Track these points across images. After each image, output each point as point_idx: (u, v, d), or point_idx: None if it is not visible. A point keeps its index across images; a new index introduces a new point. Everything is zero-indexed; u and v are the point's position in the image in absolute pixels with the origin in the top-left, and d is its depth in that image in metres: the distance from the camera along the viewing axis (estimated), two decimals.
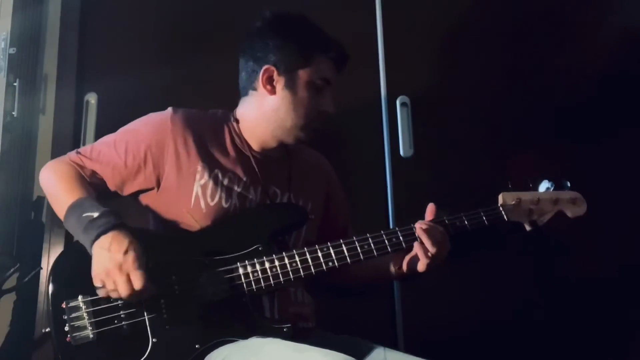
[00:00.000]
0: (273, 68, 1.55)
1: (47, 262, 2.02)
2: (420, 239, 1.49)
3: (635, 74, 2.29)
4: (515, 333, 2.05)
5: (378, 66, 2.21)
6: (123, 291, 1.31)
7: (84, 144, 2.09)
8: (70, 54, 2.20)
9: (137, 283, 1.31)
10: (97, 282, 1.34)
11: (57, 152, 2.11)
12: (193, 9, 2.25)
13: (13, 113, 2.08)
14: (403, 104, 2.20)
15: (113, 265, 1.31)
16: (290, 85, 1.55)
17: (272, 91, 1.55)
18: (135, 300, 1.35)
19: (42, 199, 2.13)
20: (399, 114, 2.19)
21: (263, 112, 1.57)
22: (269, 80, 1.55)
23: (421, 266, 1.50)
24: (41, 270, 2.01)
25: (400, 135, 2.17)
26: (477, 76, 2.25)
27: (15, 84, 2.09)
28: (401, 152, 2.17)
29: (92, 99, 2.16)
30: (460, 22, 2.28)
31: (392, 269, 1.61)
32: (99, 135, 2.02)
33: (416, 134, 2.18)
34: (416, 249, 1.50)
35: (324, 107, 1.57)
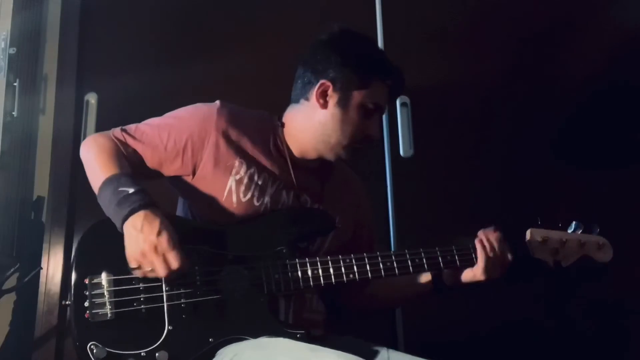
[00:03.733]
0: (329, 83, 1.56)
1: (47, 262, 2.02)
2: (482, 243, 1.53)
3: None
4: (515, 333, 2.05)
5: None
6: (161, 272, 1.33)
7: None
8: (70, 54, 2.20)
9: (175, 263, 1.32)
10: (132, 264, 1.35)
11: (57, 152, 2.11)
12: (193, 9, 2.25)
13: (13, 113, 2.08)
14: (403, 104, 2.20)
15: (148, 247, 1.32)
16: (343, 104, 1.56)
17: (324, 106, 1.57)
18: (173, 278, 1.35)
19: (42, 199, 2.13)
20: (399, 114, 2.19)
21: (311, 124, 1.59)
22: (323, 95, 1.57)
23: (481, 268, 1.53)
24: (41, 270, 2.01)
25: (400, 135, 2.17)
26: (477, 76, 2.25)
27: (15, 84, 2.09)
28: (401, 152, 2.17)
29: (92, 99, 2.16)
30: (461, 22, 2.28)
31: (424, 280, 1.63)
32: None
33: (416, 134, 2.18)
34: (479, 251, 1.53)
35: (370, 131, 1.59)
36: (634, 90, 2.27)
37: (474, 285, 1.57)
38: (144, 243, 1.32)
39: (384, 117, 2.19)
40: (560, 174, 2.17)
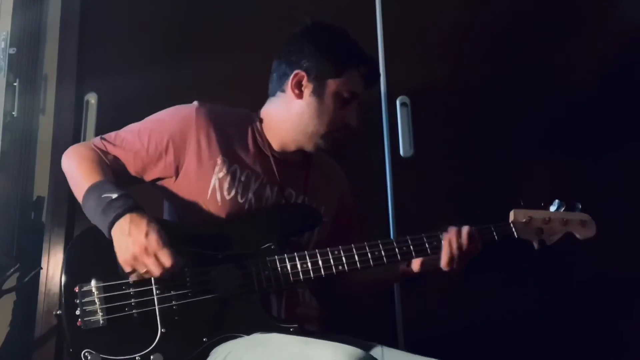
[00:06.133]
0: (303, 73, 1.58)
1: (47, 262, 2.02)
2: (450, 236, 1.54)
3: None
4: (514, 332, 2.05)
5: (378, 66, 2.21)
6: (155, 271, 1.33)
7: None
8: (70, 54, 2.20)
9: (167, 261, 1.32)
10: (127, 268, 1.36)
11: (57, 152, 2.11)
12: (193, 9, 2.25)
13: (13, 113, 2.08)
14: (403, 104, 2.20)
15: (139, 249, 1.32)
16: (318, 93, 1.58)
17: (300, 96, 1.58)
18: (168, 276, 1.35)
19: (42, 199, 2.13)
20: (399, 114, 2.19)
21: (288, 115, 1.60)
22: (298, 85, 1.58)
23: (444, 262, 1.53)
24: (41, 270, 2.01)
25: (400, 135, 2.18)
26: (477, 76, 2.25)
27: (15, 84, 2.09)
28: (401, 152, 2.17)
29: (92, 99, 2.16)
30: (460, 21, 2.29)
31: (401, 267, 1.64)
32: (98, 135, 2.02)
33: (416, 134, 2.18)
34: (444, 243, 1.54)
35: (347, 120, 1.60)
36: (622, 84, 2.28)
37: (437, 273, 1.57)
38: (134, 246, 1.33)
39: (384, 116, 2.19)
40: (562, 173, 2.17)
